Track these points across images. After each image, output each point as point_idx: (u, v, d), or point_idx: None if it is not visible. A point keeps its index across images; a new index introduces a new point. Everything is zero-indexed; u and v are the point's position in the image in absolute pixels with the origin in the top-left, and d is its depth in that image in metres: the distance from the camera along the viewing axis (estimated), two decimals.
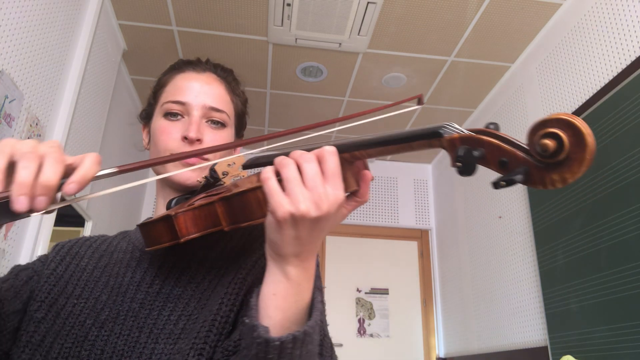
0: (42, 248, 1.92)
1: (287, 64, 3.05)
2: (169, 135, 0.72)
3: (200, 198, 0.62)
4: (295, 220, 0.47)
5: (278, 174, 0.49)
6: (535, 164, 0.41)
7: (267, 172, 0.49)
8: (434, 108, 3.50)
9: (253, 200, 0.54)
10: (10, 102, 1.67)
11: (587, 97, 2.25)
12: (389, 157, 4.38)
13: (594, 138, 0.39)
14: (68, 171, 0.45)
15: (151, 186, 3.66)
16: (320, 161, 0.49)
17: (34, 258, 0.75)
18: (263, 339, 0.48)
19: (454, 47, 2.84)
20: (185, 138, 0.71)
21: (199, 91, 0.75)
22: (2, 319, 0.62)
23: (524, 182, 0.42)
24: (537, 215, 2.52)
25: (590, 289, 2.05)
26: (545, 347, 2.36)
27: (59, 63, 2.08)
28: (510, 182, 0.41)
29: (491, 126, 0.45)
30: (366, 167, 0.56)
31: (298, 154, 0.49)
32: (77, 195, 0.46)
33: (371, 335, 3.86)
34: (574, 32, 2.43)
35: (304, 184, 0.47)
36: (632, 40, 2.02)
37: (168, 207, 0.70)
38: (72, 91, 2.14)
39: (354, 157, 0.52)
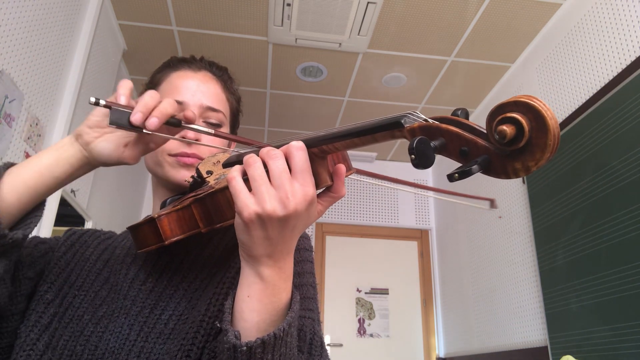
0: None
1: (287, 64, 3.05)
2: None
3: (187, 198, 0.62)
4: (263, 220, 0.46)
5: (246, 173, 0.48)
6: (496, 152, 0.38)
7: (234, 171, 0.48)
8: (434, 108, 3.50)
9: (223, 201, 0.53)
10: (10, 102, 1.67)
11: (587, 97, 2.25)
12: (388, 157, 4.38)
13: (556, 121, 0.36)
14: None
15: (151, 186, 3.65)
16: (287, 157, 0.47)
17: None
18: (231, 344, 0.47)
19: (454, 47, 2.84)
20: (183, 138, 0.70)
21: (196, 90, 0.74)
22: (18, 280, 0.63)
23: (484, 172, 0.39)
24: (537, 215, 2.52)
25: (590, 289, 2.05)
26: (545, 347, 2.36)
27: (59, 63, 2.08)
28: (463, 174, 0.38)
29: (459, 112, 0.42)
30: (345, 162, 0.54)
31: (265, 151, 0.48)
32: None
33: (371, 335, 3.86)
34: (574, 32, 2.43)
35: (271, 182, 0.46)
36: (632, 40, 2.02)
37: (162, 206, 0.69)
38: (72, 91, 2.14)
39: (322, 151, 0.49)
